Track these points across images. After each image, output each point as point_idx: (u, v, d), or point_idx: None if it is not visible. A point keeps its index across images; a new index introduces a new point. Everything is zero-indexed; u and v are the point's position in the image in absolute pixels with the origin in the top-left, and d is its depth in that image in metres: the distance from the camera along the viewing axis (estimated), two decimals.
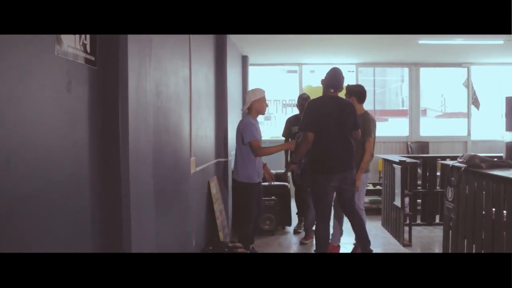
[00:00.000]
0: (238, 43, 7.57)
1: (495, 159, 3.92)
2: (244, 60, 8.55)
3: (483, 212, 3.74)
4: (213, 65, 5.41)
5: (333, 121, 4.19)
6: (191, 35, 4.01)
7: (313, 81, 9.86)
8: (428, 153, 9.04)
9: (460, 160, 4.09)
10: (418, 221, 6.75)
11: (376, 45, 7.66)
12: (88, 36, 1.97)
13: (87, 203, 2.00)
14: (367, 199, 7.25)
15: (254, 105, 4.72)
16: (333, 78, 4.34)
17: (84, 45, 1.95)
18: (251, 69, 9.31)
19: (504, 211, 3.43)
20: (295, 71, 9.89)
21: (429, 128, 10.39)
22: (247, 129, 4.65)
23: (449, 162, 4.47)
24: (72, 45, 1.84)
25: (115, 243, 2.16)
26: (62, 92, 1.78)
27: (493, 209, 3.57)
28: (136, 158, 2.26)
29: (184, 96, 3.85)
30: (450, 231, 4.36)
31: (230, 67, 6.57)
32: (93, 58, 2.03)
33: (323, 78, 4.41)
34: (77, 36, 1.89)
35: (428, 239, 5.91)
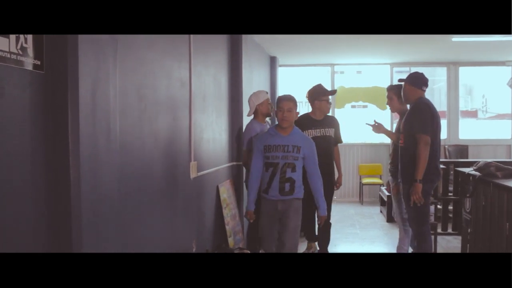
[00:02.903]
0: (264, 44, 7.43)
1: None
2: (273, 61, 8.40)
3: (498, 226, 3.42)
4: (226, 66, 5.29)
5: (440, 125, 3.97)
6: (191, 35, 3.92)
7: (360, 83, 9.58)
8: (467, 157, 8.55)
9: (475, 167, 3.77)
10: (450, 230, 6.37)
11: (410, 44, 7.34)
12: (30, 40, 1.90)
13: (29, 212, 1.93)
14: None
15: (259, 109, 4.65)
16: (423, 76, 4.04)
17: (24, 48, 1.88)
18: (290, 70, 9.23)
19: None
20: (341, 72, 9.66)
21: (471, 131, 9.85)
22: (244, 136, 4.68)
23: (464, 169, 4.14)
24: (5, 49, 1.77)
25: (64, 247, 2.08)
26: None
27: (507, 224, 3.24)
28: (92, 165, 2.17)
29: (181, 99, 3.75)
30: (468, 244, 4.04)
31: (253, 68, 6.45)
32: (38, 62, 1.96)
33: (407, 79, 4.07)
34: (13, 40, 1.81)
35: (456, 250, 5.54)
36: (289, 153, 3.59)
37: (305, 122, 4.73)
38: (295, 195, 3.65)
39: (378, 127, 4.36)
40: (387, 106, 4.63)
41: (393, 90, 4.55)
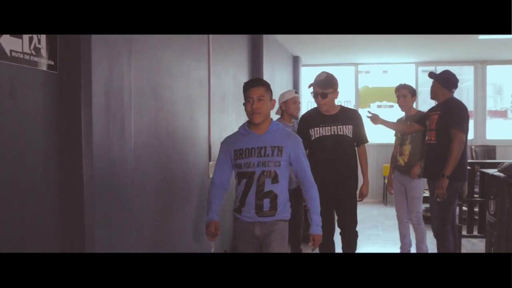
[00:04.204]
0: (286, 44, 7.39)
1: None
2: (296, 60, 8.35)
3: None
4: (247, 66, 5.28)
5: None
6: (210, 35, 3.91)
7: (386, 82, 9.47)
8: (494, 158, 8.34)
9: (499, 168, 3.68)
10: (475, 233, 6.22)
11: (435, 43, 7.19)
12: (43, 40, 1.92)
13: (43, 211, 1.95)
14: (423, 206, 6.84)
15: (284, 108, 4.58)
16: (455, 77, 3.99)
17: (38, 49, 1.90)
18: (313, 70, 9.15)
19: None
20: (366, 72, 9.55)
21: (500, 131, 9.60)
22: None
23: (490, 170, 4.03)
24: (18, 49, 1.79)
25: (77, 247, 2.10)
26: (3, 99, 1.73)
27: None
28: (106, 164, 2.18)
29: (200, 99, 3.75)
30: (492, 248, 3.93)
31: (275, 68, 6.43)
32: (52, 63, 1.98)
33: (438, 80, 3.99)
34: (26, 40, 1.83)
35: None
36: (267, 158, 2.65)
37: (312, 118, 3.85)
38: (278, 216, 2.70)
39: (374, 118, 4.21)
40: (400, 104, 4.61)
41: (408, 89, 4.58)
